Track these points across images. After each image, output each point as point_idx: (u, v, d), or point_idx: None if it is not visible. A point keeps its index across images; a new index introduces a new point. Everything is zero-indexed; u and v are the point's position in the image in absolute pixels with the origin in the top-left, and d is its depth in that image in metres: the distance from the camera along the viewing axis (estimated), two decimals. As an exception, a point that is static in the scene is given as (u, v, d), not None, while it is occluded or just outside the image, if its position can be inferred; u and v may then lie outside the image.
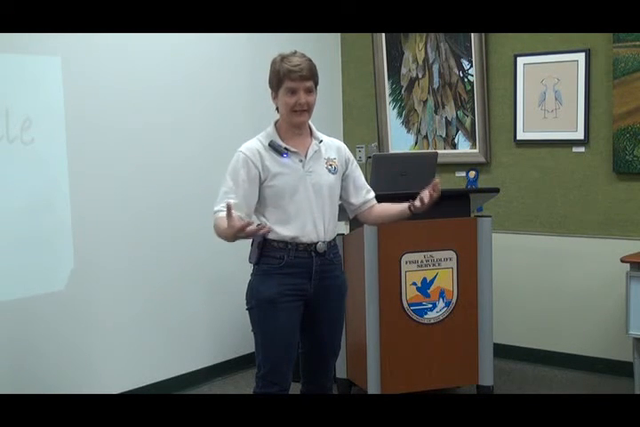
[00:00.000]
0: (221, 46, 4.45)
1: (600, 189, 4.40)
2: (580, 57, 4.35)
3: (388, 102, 5.03)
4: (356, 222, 3.91)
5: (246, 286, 2.98)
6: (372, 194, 3.12)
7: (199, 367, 4.41)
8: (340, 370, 4.06)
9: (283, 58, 2.86)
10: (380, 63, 5.01)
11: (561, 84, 4.43)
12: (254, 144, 2.91)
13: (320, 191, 2.91)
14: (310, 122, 2.99)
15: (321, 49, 4.90)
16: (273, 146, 2.89)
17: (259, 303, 2.91)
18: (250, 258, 2.96)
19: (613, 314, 4.34)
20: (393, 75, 4.99)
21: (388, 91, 5.02)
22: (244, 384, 4.30)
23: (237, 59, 4.57)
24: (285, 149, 2.89)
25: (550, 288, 4.58)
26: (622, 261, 3.87)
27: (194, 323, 4.39)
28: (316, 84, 2.91)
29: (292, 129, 2.93)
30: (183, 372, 4.32)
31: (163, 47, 4.13)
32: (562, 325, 4.56)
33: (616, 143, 4.26)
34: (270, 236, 2.87)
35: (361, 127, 5.20)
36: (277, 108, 2.95)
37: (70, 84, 3.72)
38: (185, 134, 4.29)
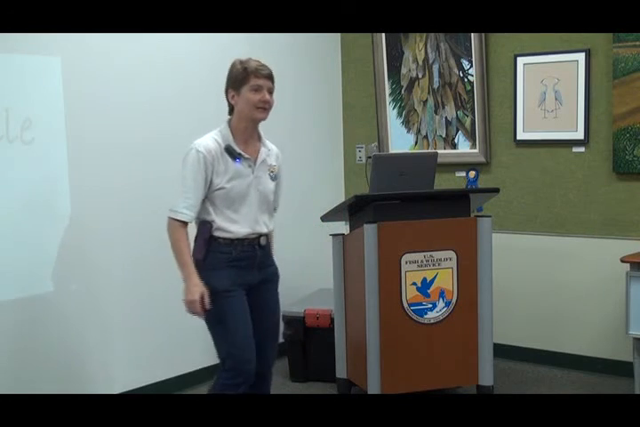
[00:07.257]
0: (222, 46, 4.44)
1: (600, 189, 4.39)
2: (580, 57, 4.35)
3: (388, 102, 5.03)
4: (356, 223, 3.92)
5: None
6: (276, 206, 3.30)
7: (199, 367, 4.40)
8: (340, 370, 4.06)
9: (244, 60, 3.04)
10: (380, 63, 5.01)
11: (561, 84, 4.43)
12: (212, 145, 3.04)
13: (264, 195, 3.15)
14: (260, 129, 3.13)
15: (321, 49, 4.90)
16: (229, 150, 3.03)
17: (214, 297, 3.03)
18: (194, 253, 3.07)
19: (613, 314, 4.34)
20: (393, 75, 4.99)
21: (388, 91, 5.02)
22: (243, 384, 4.30)
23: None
24: (239, 154, 3.03)
25: (550, 288, 4.58)
26: (622, 261, 3.87)
27: (194, 323, 4.37)
28: (274, 89, 3.08)
29: (247, 131, 3.07)
30: (183, 372, 4.32)
31: (163, 47, 4.12)
32: (562, 325, 4.56)
33: (616, 143, 4.26)
34: (217, 233, 3.04)
35: (361, 127, 5.19)
36: (230, 110, 3.08)
37: (70, 84, 3.72)
38: (186, 134, 4.25)
